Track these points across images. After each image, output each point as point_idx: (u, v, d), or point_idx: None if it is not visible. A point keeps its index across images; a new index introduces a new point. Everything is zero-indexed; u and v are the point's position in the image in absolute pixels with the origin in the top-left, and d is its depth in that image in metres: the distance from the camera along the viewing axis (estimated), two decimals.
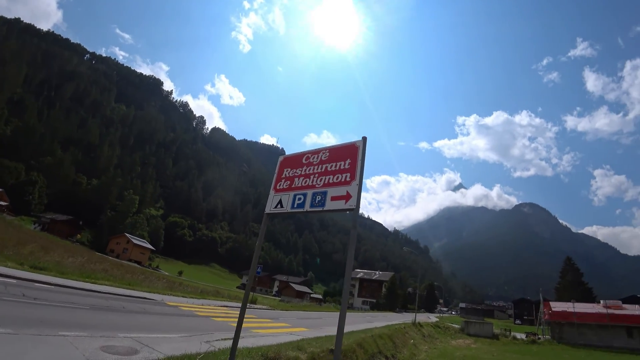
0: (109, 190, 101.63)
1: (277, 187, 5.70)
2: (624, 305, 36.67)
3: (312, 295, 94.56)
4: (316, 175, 5.25)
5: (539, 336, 36.79)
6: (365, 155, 4.94)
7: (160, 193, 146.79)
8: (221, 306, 18.07)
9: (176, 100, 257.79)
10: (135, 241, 79.80)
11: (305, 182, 5.32)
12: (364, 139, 5.06)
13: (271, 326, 14.25)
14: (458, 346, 28.97)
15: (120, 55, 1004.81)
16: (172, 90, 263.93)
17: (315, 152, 5.54)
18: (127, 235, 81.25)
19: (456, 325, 41.40)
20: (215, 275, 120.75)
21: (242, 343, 8.12)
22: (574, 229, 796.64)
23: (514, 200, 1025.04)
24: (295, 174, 5.56)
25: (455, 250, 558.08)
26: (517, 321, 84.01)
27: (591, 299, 53.30)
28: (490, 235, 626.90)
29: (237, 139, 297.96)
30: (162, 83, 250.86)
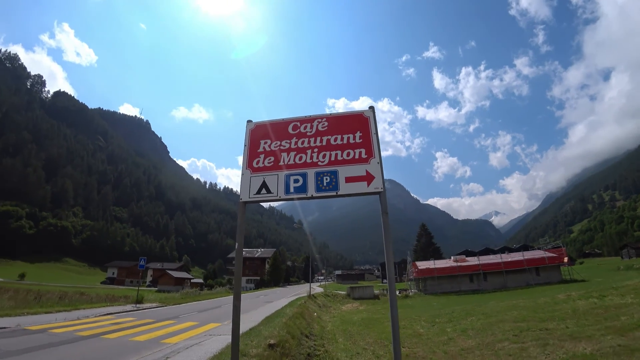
0: None
1: (255, 165, 4.26)
2: (467, 258, 46.38)
3: (192, 281, 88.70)
4: (315, 149, 4.10)
5: (409, 291, 43.28)
6: (377, 128, 4.05)
7: None
8: (104, 315, 14.65)
9: None
10: None
11: (300, 159, 4.10)
12: (372, 108, 4.15)
13: (179, 329, 12.20)
14: (349, 310, 31.49)
15: None
16: None
17: (307, 120, 4.32)
18: None
19: (341, 292, 45.09)
20: (71, 272, 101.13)
21: None
22: (421, 201, 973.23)
23: None
24: (282, 148, 4.25)
25: (325, 222, 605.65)
26: (384, 280, 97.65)
27: (439, 256, 65.36)
28: (356, 208, 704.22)
29: (90, 107, 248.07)
30: None
